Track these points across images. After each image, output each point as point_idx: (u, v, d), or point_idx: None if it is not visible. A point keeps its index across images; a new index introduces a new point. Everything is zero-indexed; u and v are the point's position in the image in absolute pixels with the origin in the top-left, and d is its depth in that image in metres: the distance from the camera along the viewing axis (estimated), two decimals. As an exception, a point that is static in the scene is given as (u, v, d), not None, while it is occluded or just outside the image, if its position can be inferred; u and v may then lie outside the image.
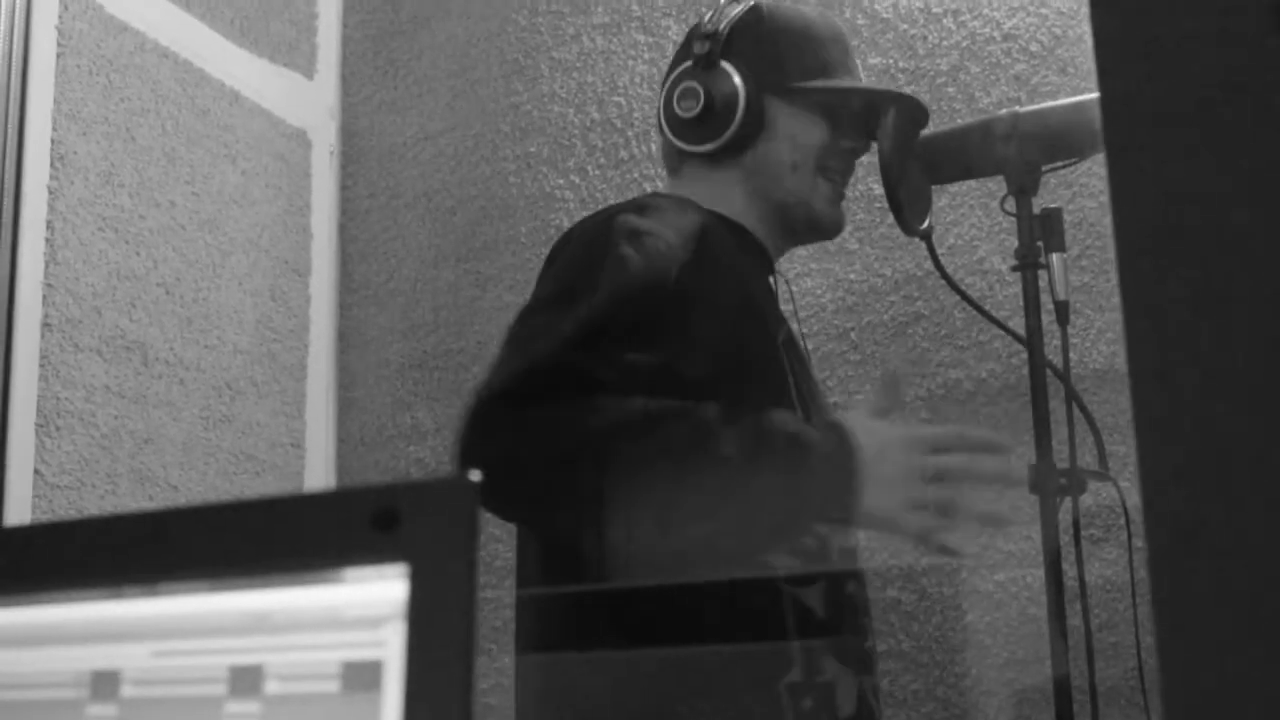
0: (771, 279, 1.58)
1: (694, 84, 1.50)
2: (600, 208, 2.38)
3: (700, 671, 1.35)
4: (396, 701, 0.53)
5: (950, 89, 2.15)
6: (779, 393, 1.43)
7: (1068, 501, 1.54)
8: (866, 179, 2.09)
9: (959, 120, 2.01)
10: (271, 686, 0.57)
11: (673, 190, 1.59)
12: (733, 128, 1.49)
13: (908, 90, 2.08)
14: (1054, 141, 1.46)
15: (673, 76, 1.54)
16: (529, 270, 2.47)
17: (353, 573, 0.56)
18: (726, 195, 1.52)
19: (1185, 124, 0.68)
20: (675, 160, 1.59)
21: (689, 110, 1.50)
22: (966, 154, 1.51)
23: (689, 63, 1.52)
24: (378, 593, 0.55)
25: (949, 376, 2.06)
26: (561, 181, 2.45)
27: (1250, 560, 0.62)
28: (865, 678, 1.45)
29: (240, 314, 2.34)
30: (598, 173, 2.42)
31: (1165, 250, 0.67)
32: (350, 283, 2.61)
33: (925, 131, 1.56)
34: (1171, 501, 0.65)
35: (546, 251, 2.46)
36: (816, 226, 1.55)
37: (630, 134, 2.40)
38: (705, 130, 1.50)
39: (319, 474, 2.46)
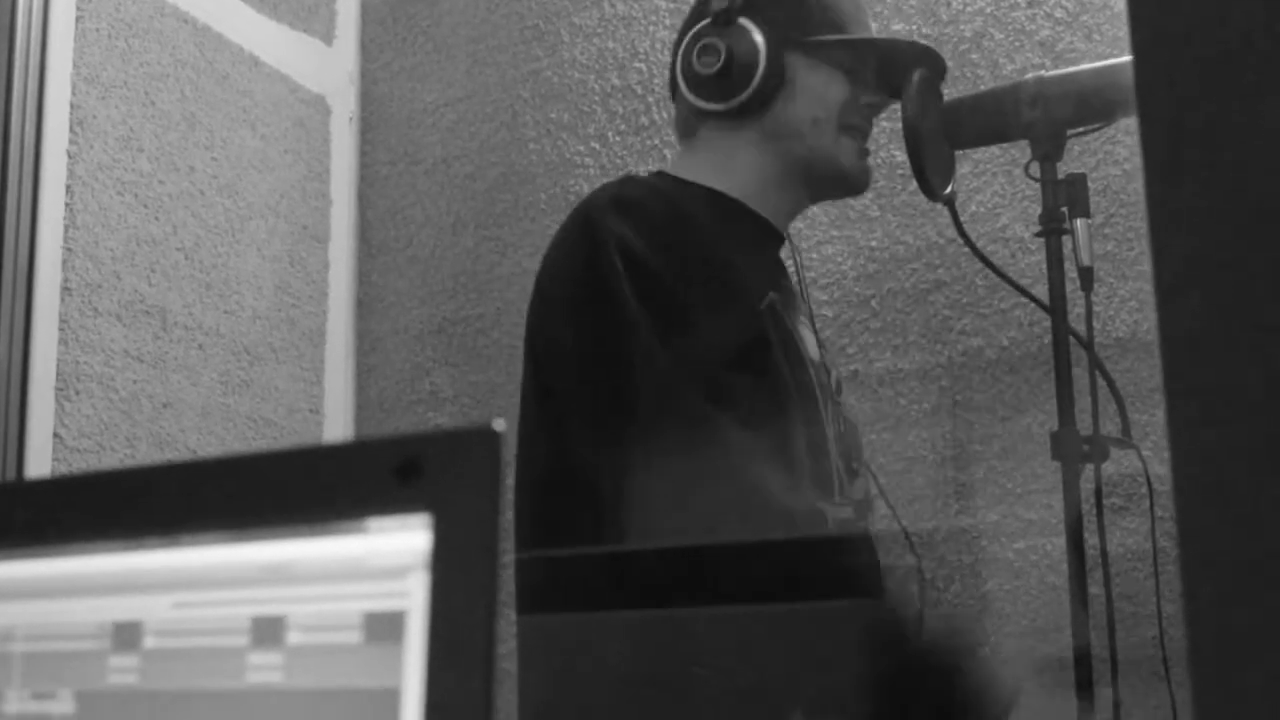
0: (781, 248, 1.56)
1: (714, 40, 1.48)
2: (618, 172, 2.38)
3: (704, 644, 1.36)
4: (419, 652, 0.53)
5: (974, 55, 2.13)
6: (760, 364, 1.41)
7: (1088, 470, 1.54)
8: (889, 146, 2.08)
9: (983, 86, 1.99)
10: (294, 637, 0.56)
11: (684, 158, 1.58)
12: (754, 84, 1.47)
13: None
14: (1080, 106, 1.44)
15: (690, 35, 1.52)
16: (548, 236, 2.45)
17: (375, 523, 0.55)
18: (742, 159, 1.51)
19: (1219, 85, 0.67)
20: (690, 125, 1.57)
21: (709, 66, 1.48)
22: (992, 118, 1.50)
23: (706, 20, 1.50)
24: (400, 543, 0.54)
25: (970, 344, 2.05)
26: (581, 148, 2.44)
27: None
28: None
29: (259, 279, 2.34)
30: (618, 139, 2.41)
31: (1198, 215, 0.66)
32: (369, 248, 2.60)
33: (949, 96, 1.54)
34: (1201, 468, 0.65)
35: (565, 218, 2.46)
36: (843, 182, 1.54)
37: (651, 100, 2.39)
38: (725, 88, 1.48)
39: (337, 438, 2.46)
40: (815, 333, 1.53)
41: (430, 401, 2.51)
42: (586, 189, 2.42)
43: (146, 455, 2.04)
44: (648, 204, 1.44)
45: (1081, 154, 1.93)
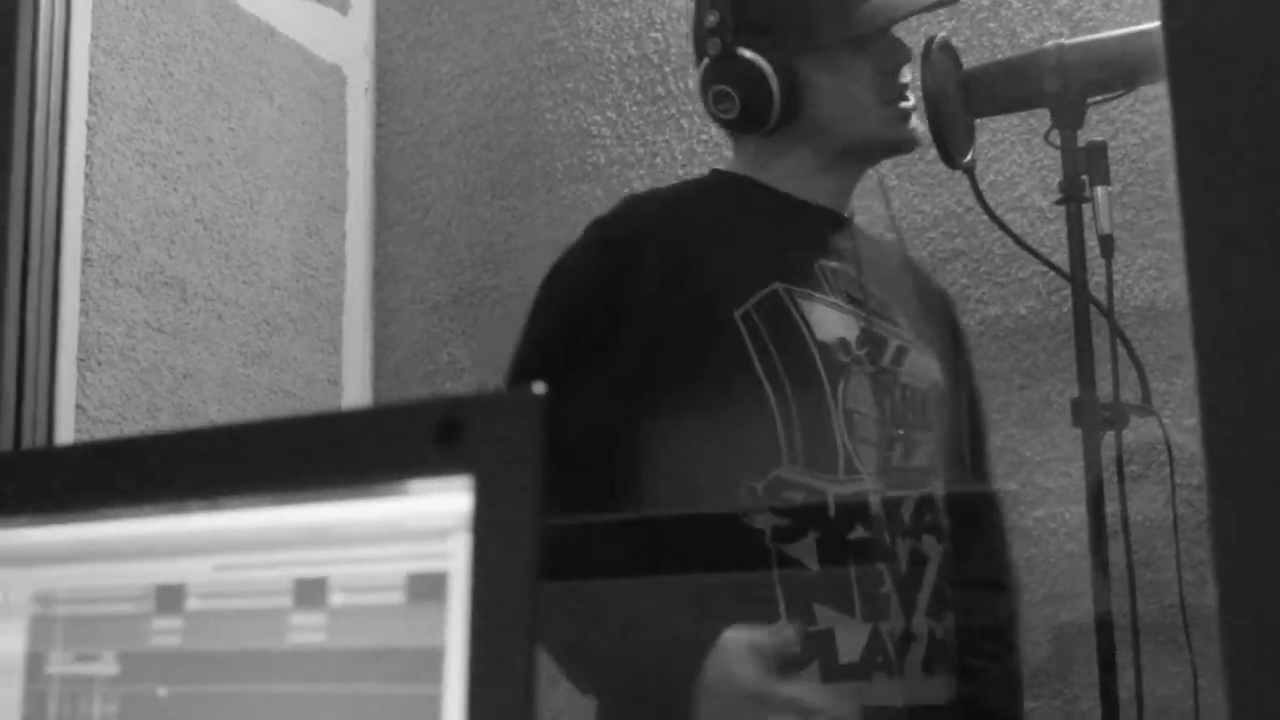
0: (836, 225, 1.57)
1: (724, 87, 1.49)
2: (636, 142, 2.38)
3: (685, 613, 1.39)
4: (462, 611, 0.54)
5: (992, 24, 2.12)
6: (716, 372, 1.46)
7: (1108, 438, 1.54)
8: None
9: (1001, 55, 1.99)
10: (336, 598, 0.57)
11: (735, 154, 1.62)
12: (776, 111, 1.48)
13: (946, 26, 2.06)
14: (1100, 74, 1.44)
15: (700, 76, 1.54)
16: (565, 206, 2.46)
17: (417, 485, 0.56)
18: (790, 154, 1.54)
19: (1249, 52, 0.67)
20: (732, 135, 1.62)
21: (728, 113, 1.51)
22: (1012, 87, 1.50)
23: (707, 61, 1.52)
24: (442, 505, 0.55)
25: (988, 313, 2.05)
26: (598, 118, 2.44)
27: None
28: (884, 623, 1.45)
29: (277, 250, 2.34)
30: (634, 109, 2.41)
31: (1227, 176, 0.66)
32: (386, 219, 2.61)
33: (969, 65, 1.54)
34: (1230, 430, 0.65)
35: (583, 188, 2.47)
36: (891, 149, 1.57)
37: (667, 69, 2.38)
38: (751, 120, 1.50)
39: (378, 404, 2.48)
40: (863, 305, 1.53)
41: (448, 372, 2.52)
42: (603, 159, 2.43)
43: (167, 426, 2.05)
44: (629, 231, 1.52)
45: (1100, 122, 1.93)
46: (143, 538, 0.63)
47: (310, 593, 0.58)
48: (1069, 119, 1.45)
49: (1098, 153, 1.44)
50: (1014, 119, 2.02)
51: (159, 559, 0.63)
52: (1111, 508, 1.57)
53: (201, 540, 0.61)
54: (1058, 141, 1.45)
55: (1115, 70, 1.44)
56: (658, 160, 2.37)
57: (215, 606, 0.60)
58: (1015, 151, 2.07)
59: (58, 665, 0.65)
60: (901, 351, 1.54)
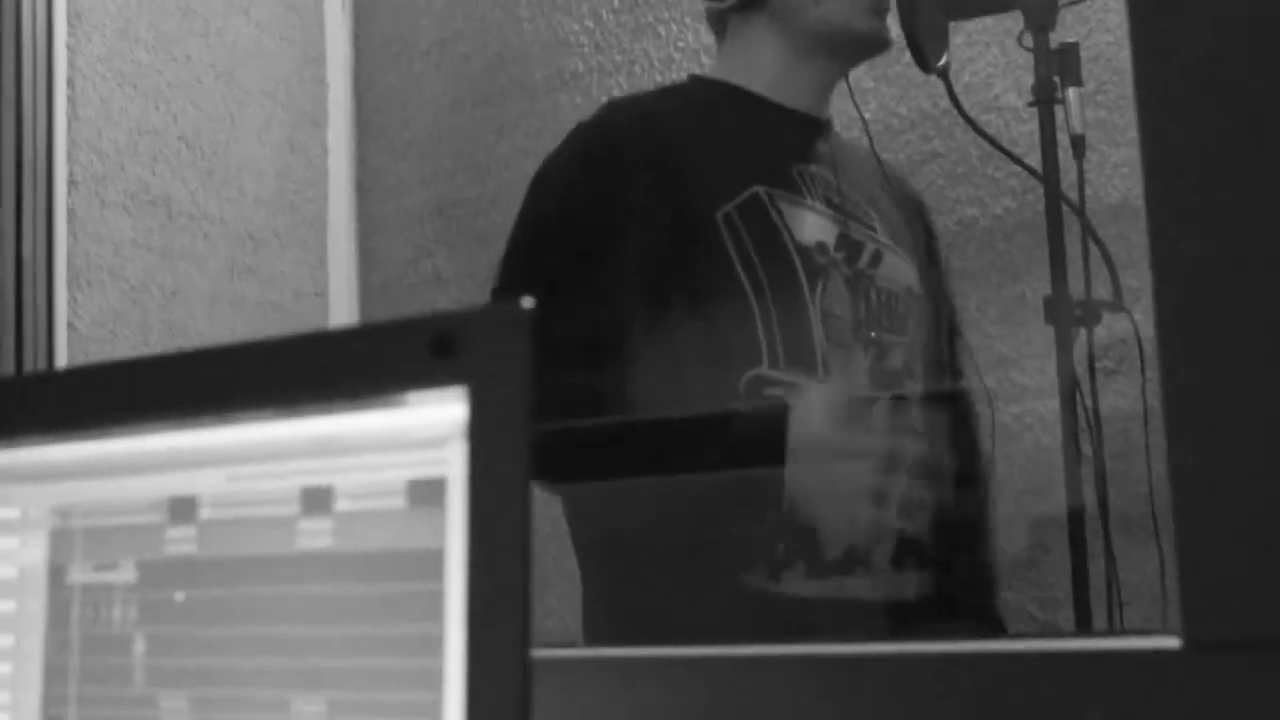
0: (814, 128, 1.59)
1: None
2: (614, 50, 2.39)
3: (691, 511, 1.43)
4: (461, 514, 0.57)
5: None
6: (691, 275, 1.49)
7: (1083, 336, 1.58)
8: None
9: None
10: (342, 504, 0.61)
11: (718, 59, 1.65)
12: None
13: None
14: (1071, -25, 1.46)
15: None
16: (545, 116, 2.48)
17: (415, 396, 0.59)
18: (761, 48, 1.56)
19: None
20: (718, 25, 1.64)
21: None
22: (985, -10, 1.52)
23: None
24: (439, 414, 0.58)
25: (965, 214, 2.08)
26: (576, 26, 2.44)
27: (1261, 381, 0.66)
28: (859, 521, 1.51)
29: (259, 165, 2.36)
30: (611, 16, 2.41)
31: (1187, 95, 0.69)
32: (367, 132, 2.62)
33: (943, -32, 1.56)
34: (1185, 326, 0.69)
35: (562, 97, 2.48)
36: (862, 43, 1.57)
37: (644, -24, 2.39)
38: None
39: (342, 321, 2.50)
40: (840, 209, 1.55)
41: (433, 282, 2.54)
42: (581, 67, 2.44)
43: (158, 343, 2.08)
44: (612, 136, 1.55)
45: (1074, 23, 1.94)
46: (154, 453, 0.67)
47: (317, 500, 0.61)
48: (1042, 21, 1.47)
49: (1070, 54, 1.47)
50: (988, 20, 2.04)
51: (171, 472, 0.66)
52: (1086, 403, 1.61)
53: (211, 453, 0.65)
54: (1030, 44, 1.47)
55: (1085, -28, 1.46)
56: (635, 68, 2.38)
57: (226, 515, 0.64)
58: (990, 52, 2.09)
59: (79, 574, 0.68)
60: (878, 255, 1.57)
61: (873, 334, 1.55)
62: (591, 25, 2.43)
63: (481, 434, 0.57)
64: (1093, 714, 0.67)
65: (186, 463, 0.66)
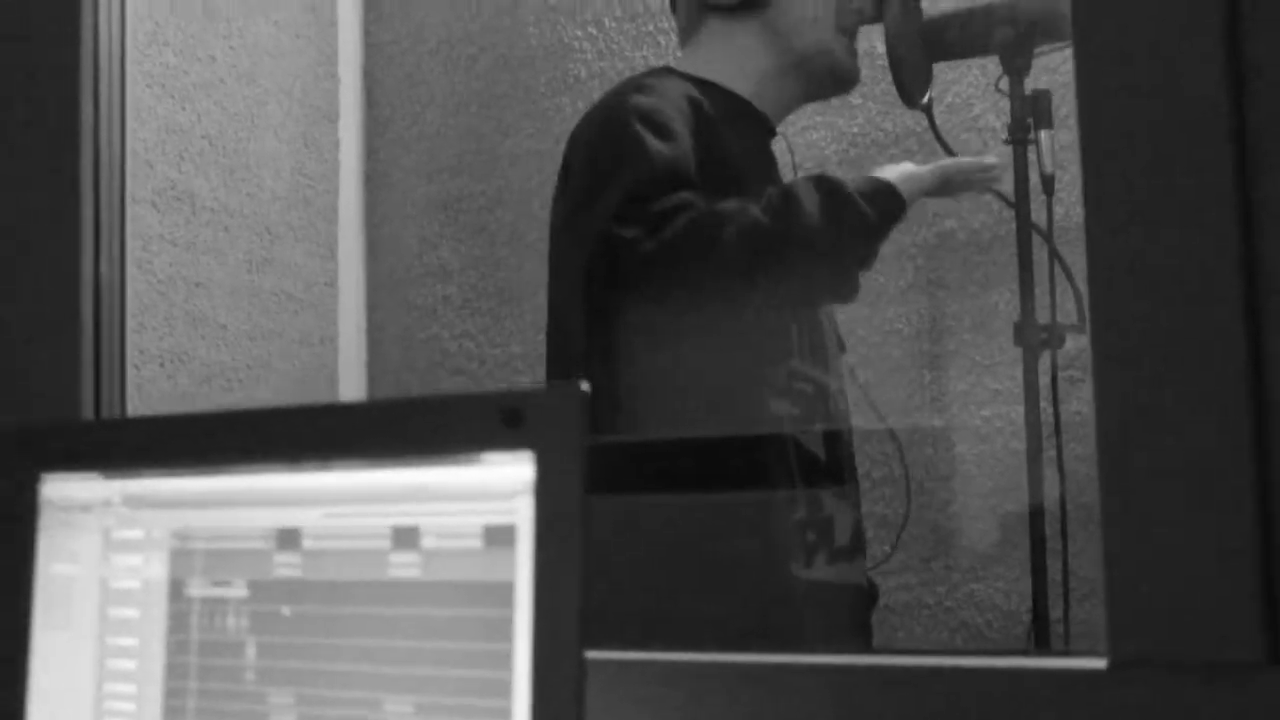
0: (773, 143, 1.71)
1: None
2: (615, 57, 2.52)
3: (717, 520, 1.53)
4: (528, 555, 0.71)
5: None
6: None
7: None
8: (869, 35, 2.21)
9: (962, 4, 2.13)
10: (428, 542, 0.74)
11: (688, 55, 1.69)
12: None
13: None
14: (1046, 26, 1.59)
15: None
16: (547, 118, 2.60)
17: (489, 457, 0.73)
18: (744, 53, 1.62)
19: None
20: (693, 21, 1.67)
21: None
22: (966, 35, 1.65)
23: None
24: (510, 473, 0.72)
25: (944, 227, 2.22)
26: (580, 33, 2.56)
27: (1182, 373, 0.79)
28: (856, 511, 1.65)
29: (277, 161, 2.48)
30: (614, 24, 2.54)
31: (1122, 127, 0.82)
32: (377, 127, 2.74)
33: (930, 13, 1.69)
34: (1118, 339, 0.82)
35: (564, 100, 2.60)
36: (837, 76, 1.66)
37: (646, -13, 2.51)
38: None
39: (351, 311, 2.63)
40: None
41: (438, 274, 2.67)
42: (584, 73, 2.56)
43: (183, 332, 2.20)
44: (666, 92, 1.57)
45: (1047, 70, 2.07)
46: (265, 489, 0.80)
47: (406, 537, 0.75)
48: (1017, 67, 1.60)
49: (1042, 100, 1.60)
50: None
51: (278, 507, 0.79)
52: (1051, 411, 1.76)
53: (314, 493, 0.78)
54: (1007, 89, 1.61)
55: (1060, 24, 1.58)
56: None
57: (326, 546, 0.77)
58: (971, 74, 2.22)
59: (197, 589, 0.82)
60: None
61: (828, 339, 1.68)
62: (595, 32, 2.55)
63: (545, 491, 0.71)
64: None
65: (291, 500, 0.79)
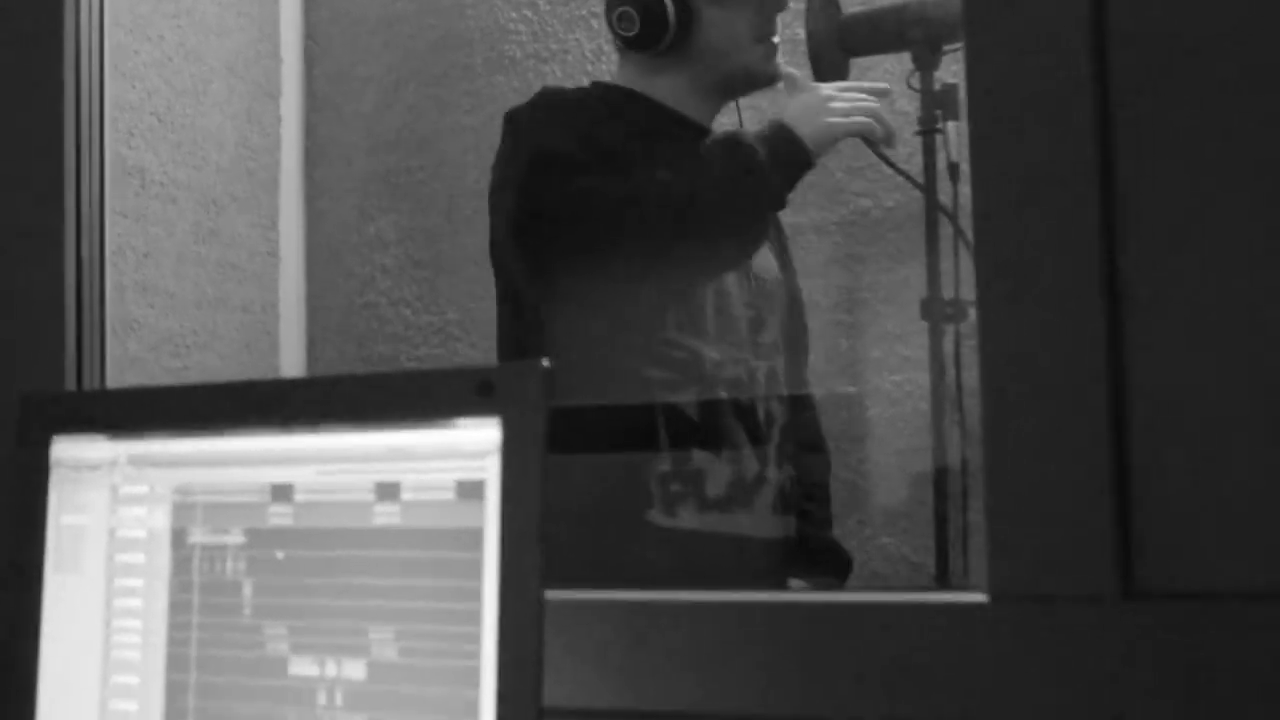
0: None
1: (627, 9, 1.77)
2: (550, 40, 2.63)
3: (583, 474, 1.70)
4: (495, 505, 0.83)
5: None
6: None
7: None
8: (793, 24, 2.34)
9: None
10: (407, 495, 0.86)
11: (620, 70, 1.88)
12: (668, 38, 1.76)
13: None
14: (955, 26, 1.72)
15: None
16: (483, 96, 2.71)
17: (463, 422, 0.85)
18: (667, 77, 1.81)
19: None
20: (623, 49, 1.86)
21: (629, 30, 1.78)
22: (880, 33, 1.78)
23: None
24: (481, 436, 0.84)
25: (859, 205, 2.36)
26: (514, 15, 2.67)
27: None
28: (741, 468, 1.80)
29: (221, 135, 2.56)
30: (548, 7, 2.64)
31: (1013, 131, 0.95)
32: (316, 104, 2.82)
33: (847, 12, 1.82)
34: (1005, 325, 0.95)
35: (500, 79, 2.70)
36: (757, 81, 1.83)
37: (579, -27, 2.62)
38: (646, 40, 1.78)
39: (292, 280, 2.73)
40: None
41: (375, 244, 2.77)
42: (519, 54, 2.67)
43: (133, 300, 2.29)
44: (558, 107, 1.80)
45: (955, 66, 2.21)
46: (260, 450, 0.91)
47: (388, 491, 0.87)
48: (927, 63, 1.73)
49: (950, 93, 1.74)
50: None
51: (273, 466, 0.91)
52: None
53: (306, 454, 0.90)
54: (918, 85, 1.74)
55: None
56: (569, 57, 2.62)
57: (317, 499, 0.89)
58: (887, 61, 2.35)
59: (198, 536, 0.93)
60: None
61: (752, 311, 1.83)
62: (530, 15, 2.66)
63: (510, 452, 0.83)
64: (913, 659, 0.94)
65: (285, 459, 0.90)
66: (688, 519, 1.75)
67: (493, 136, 2.64)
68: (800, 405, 1.88)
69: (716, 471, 1.77)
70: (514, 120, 1.81)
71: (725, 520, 1.78)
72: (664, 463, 1.74)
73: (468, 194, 2.67)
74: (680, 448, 1.75)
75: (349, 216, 2.79)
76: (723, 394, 1.79)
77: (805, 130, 1.69)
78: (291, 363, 2.71)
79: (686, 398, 1.76)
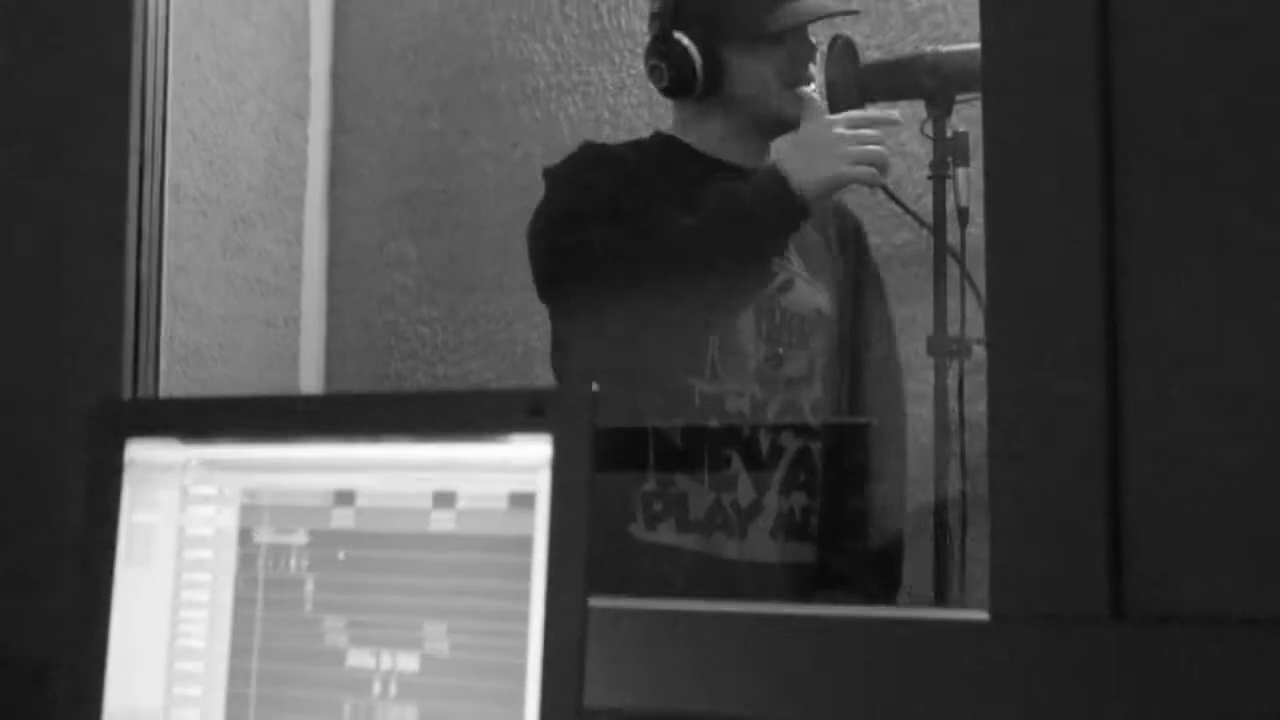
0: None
1: (658, 62, 1.88)
2: (573, 72, 2.72)
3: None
4: (545, 515, 0.91)
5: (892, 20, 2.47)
6: None
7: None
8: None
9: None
10: (463, 503, 0.94)
11: (672, 117, 1.98)
12: (698, 86, 1.87)
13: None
14: (967, 76, 1.80)
15: (645, 49, 1.93)
16: (506, 125, 2.79)
17: (517, 438, 0.92)
18: (708, 122, 1.91)
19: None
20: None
21: (660, 82, 1.90)
22: (896, 81, 1.87)
23: (649, 40, 1.90)
24: (533, 451, 0.92)
25: (870, 241, 2.44)
26: (538, 47, 2.76)
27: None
28: (726, 494, 1.89)
29: (252, 154, 2.65)
30: (572, 41, 2.73)
31: (1025, 179, 1.03)
32: (343, 126, 2.91)
33: (866, 60, 1.91)
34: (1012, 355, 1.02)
35: (522, 110, 2.79)
36: (788, 128, 1.90)
37: (603, 8, 2.71)
38: (679, 89, 1.89)
39: (314, 296, 2.81)
40: None
41: (396, 264, 2.85)
42: (542, 85, 2.75)
43: (165, 314, 2.36)
44: (590, 164, 1.92)
45: (966, 112, 2.30)
46: (325, 458, 0.99)
47: (445, 499, 0.94)
48: (940, 112, 1.82)
49: (961, 140, 1.82)
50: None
51: (336, 473, 0.99)
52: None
53: (368, 462, 0.97)
54: (931, 132, 1.83)
55: (977, 77, 1.80)
56: (591, 89, 2.71)
57: (377, 504, 0.97)
58: (900, 104, 2.44)
59: (263, 536, 1.01)
60: (788, 283, 1.93)
61: (778, 348, 1.92)
62: (553, 46, 2.74)
63: (560, 467, 0.91)
64: (917, 673, 1.01)
65: (347, 468, 0.98)
66: (666, 535, 1.86)
67: (513, 164, 2.74)
68: (839, 435, 1.98)
69: (697, 495, 1.86)
70: (548, 176, 1.92)
71: (703, 541, 1.88)
72: (649, 483, 1.87)
73: (487, 217, 2.76)
74: (665, 471, 1.87)
75: (371, 236, 2.87)
76: (713, 422, 1.88)
77: (804, 177, 1.76)
78: (311, 377, 2.79)
79: (674, 424, 1.86)
